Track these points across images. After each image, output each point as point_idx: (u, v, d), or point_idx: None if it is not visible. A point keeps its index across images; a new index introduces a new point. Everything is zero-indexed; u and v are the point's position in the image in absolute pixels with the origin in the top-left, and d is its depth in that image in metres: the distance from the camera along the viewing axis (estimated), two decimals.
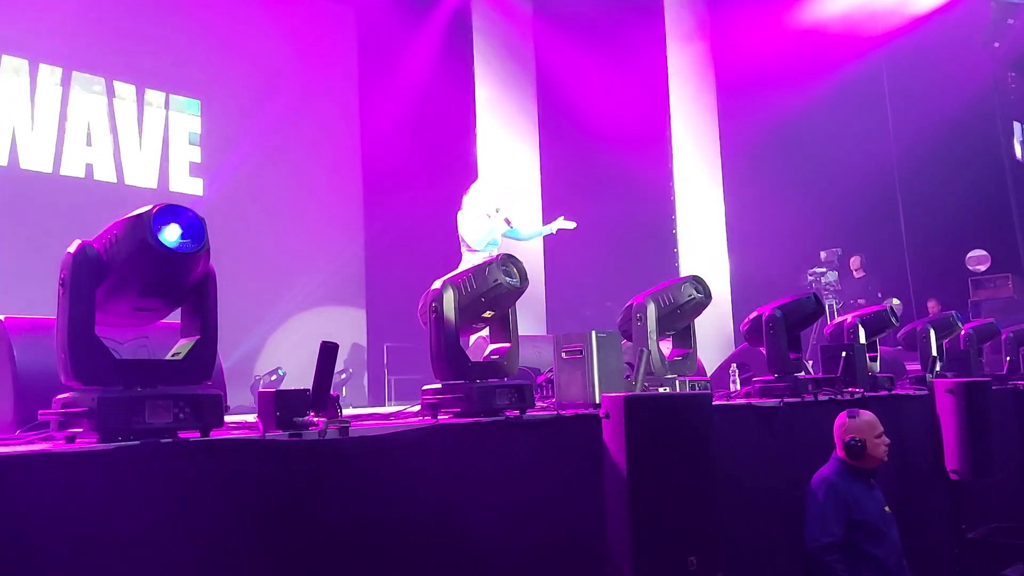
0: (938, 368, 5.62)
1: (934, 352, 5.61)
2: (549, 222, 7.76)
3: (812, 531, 3.79)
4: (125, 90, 9.50)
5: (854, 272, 11.26)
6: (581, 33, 12.48)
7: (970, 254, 11.35)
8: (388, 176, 11.08)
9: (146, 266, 2.15)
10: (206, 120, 10.19)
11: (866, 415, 3.99)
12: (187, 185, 9.99)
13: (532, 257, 11.95)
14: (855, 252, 11.38)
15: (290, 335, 10.39)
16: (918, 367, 5.82)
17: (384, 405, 8.64)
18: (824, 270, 10.83)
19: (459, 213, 6.73)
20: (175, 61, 9.77)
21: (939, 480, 4.72)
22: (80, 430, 2.08)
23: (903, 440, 4.77)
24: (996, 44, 11.72)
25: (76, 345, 2.09)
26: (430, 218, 10.24)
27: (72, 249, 2.14)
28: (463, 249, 6.67)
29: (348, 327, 11.06)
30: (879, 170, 11.94)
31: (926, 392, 4.92)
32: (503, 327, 3.17)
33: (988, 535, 5.21)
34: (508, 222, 6.79)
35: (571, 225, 7.30)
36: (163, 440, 2.08)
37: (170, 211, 2.14)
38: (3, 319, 2.81)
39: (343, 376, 10.00)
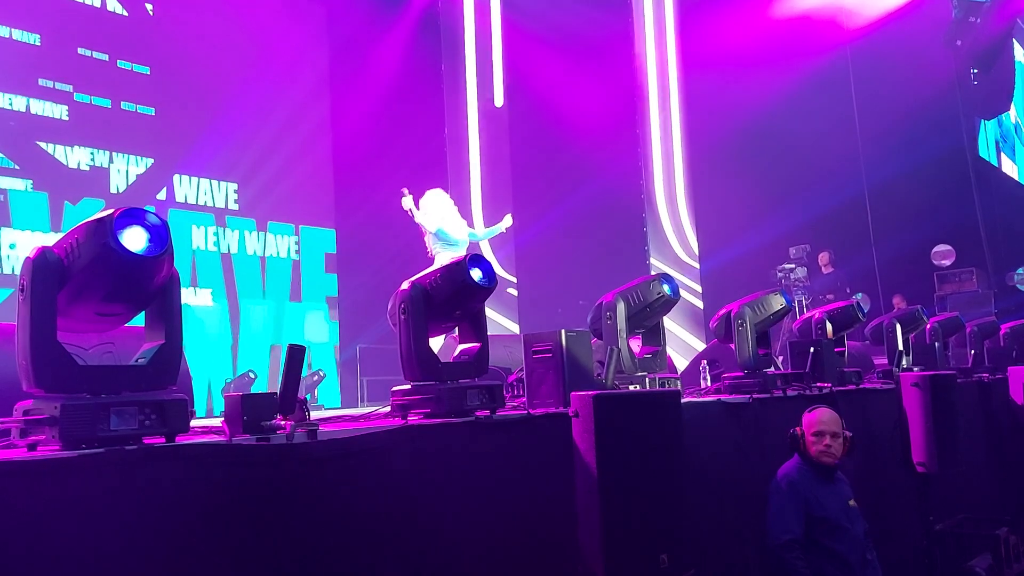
0: (905, 362, 5.69)
1: (900, 346, 5.67)
2: (516, 220, 8.01)
3: (773, 528, 3.79)
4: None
5: (823, 268, 11.36)
6: (550, 32, 12.50)
7: (935, 249, 11.53)
8: (359, 176, 11.04)
9: (108, 271, 2.12)
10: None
11: (814, 413, 3.97)
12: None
13: (505, 255, 11.98)
14: (824, 248, 11.50)
15: (263, 336, 10.33)
16: (886, 361, 5.90)
17: (357, 406, 8.60)
18: (793, 266, 10.92)
19: (420, 220, 7.09)
20: (136, 55, 9.64)
21: (906, 473, 4.77)
22: (42, 438, 2.05)
23: (871, 434, 4.83)
24: (959, 43, 11.91)
25: (38, 352, 2.05)
26: (402, 218, 10.22)
27: (32, 255, 2.10)
28: (433, 251, 6.89)
29: (321, 328, 11.01)
30: (846, 167, 12.09)
31: (893, 386, 4.97)
32: (473, 327, 3.17)
33: (955, 526, 5.28)
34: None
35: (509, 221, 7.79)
36: (128, 447, 2.05)
37: (132, 214, 2.11)
38: None
39: (314, 379, 9.94)
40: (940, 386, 4.71)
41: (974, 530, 5.31)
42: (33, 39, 8.80)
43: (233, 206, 10.40)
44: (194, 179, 10.04)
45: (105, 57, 9.42)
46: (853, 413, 4.49)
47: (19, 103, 8.68)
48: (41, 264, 2.09)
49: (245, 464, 2.20)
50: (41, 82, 8.83)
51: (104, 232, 2.06)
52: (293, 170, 10.73)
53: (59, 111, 8.96)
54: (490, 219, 7.51)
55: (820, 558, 3.78)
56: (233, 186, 10.36)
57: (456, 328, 3.28)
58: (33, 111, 8.77)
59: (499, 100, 12.64)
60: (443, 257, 6.69)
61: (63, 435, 2.01)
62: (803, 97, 11.97)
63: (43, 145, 8.84)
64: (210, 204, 10.20)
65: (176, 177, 9.90)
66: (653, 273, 4.84)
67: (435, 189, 7.34)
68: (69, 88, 9.03)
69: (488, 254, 11.54)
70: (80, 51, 9.22)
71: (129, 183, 9.46)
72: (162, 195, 9.73)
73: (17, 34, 8.67)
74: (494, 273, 3.10)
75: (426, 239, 7.07)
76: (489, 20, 12.73)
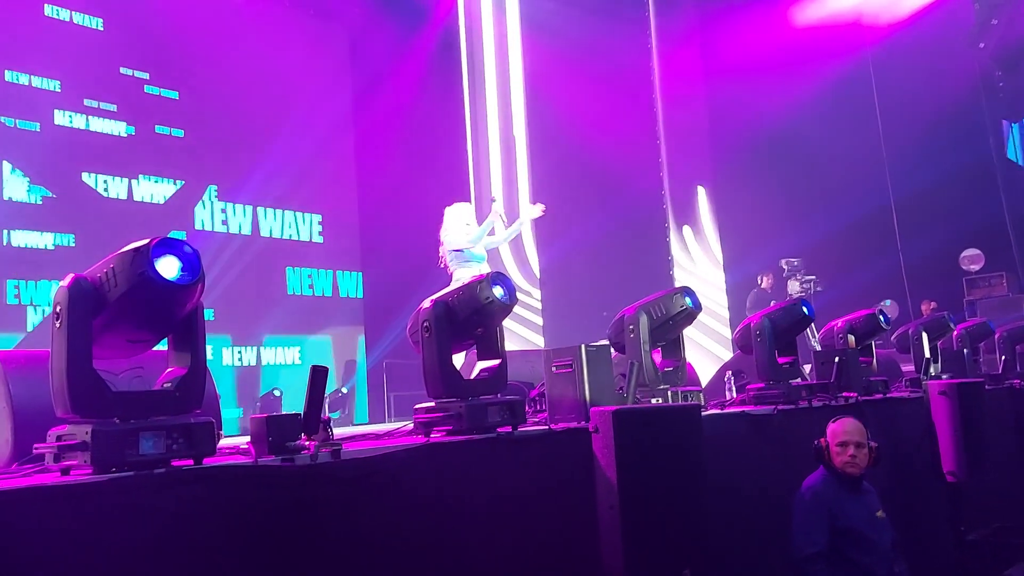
0: (933, 370, 5.62)
1: (927, 354, 5.61)
2: (539, 235, 7.96)
3: (797, 541, 3.75)
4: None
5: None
6: (569, 46, 12.57)
7: (964, 253, 11.40)
8: (382, 192, 11.14)
9: (145, 299, 2.17)
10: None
11: (838, 424, 3.93)
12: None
13: (529, 268, 12.01)
14: (819, 263, 11.33)
15: (289, 353, 10.43)
16: (914, 368, 5.83)
17: (384, 422, 8.65)
18: (814, 276, 10.84)
19: (442, 230, 7.07)
20: (161, 77, 9.81)
21: (936, 482, 4.72)
22: (75, 462, 2.11)
23: (899, 443, 4.78)
24: (982, 44, 11.80)
25: (74, 379, 2.10)
26: (426, 234, 10.29)
27: (66, 283, 2.15)
28: (452, 267, 6.91)
29: (347, 344, 11.10)
30: (871, 173, 12.02)
31: (921, 394, 4.92)
32: (492, 343, 3.20)
33: (989, 536, 5.19)
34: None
35: (538, 210, 7.57)
36: (156, 470, 2.11)
37: (167, 244, 2.17)
38: None
39: (339, 396, 10.01)
40: (968, 394, 4.66)
41: (1009, 539, 5.21)
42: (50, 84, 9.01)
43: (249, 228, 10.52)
44: (217, 203, 10.16)
45: (146, 75, 9.64)
46: (881, 423, 4.46)
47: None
48: (76, 292, 2.14)
49: (270, 485, 2.25)
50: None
51: (142, 262, 2.11)
52: (317, 186, 10.86)
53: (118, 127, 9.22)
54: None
55: (845, 571, 3.73)
56: (249, 208, 10.46)
57: (475, 345, 3.31)
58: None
59: (520, 117, 12.71)
60: (461, 273, 6.69)
61: (94, 460, 2.06)
62: (826, 104, 11.93)
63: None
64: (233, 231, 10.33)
65: (201, 202, 10.03)
66: (676, 285, 4.83)
67: (457, 204, 7.34)
68: (114, 107, 9.26)
69: (512, 269, 11.59)
70: (122, 70, 9.44)
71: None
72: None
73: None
74: (515, 290, 3.14)
75: (442, 252, 7.08)
76: (507, 40, 12.83)
